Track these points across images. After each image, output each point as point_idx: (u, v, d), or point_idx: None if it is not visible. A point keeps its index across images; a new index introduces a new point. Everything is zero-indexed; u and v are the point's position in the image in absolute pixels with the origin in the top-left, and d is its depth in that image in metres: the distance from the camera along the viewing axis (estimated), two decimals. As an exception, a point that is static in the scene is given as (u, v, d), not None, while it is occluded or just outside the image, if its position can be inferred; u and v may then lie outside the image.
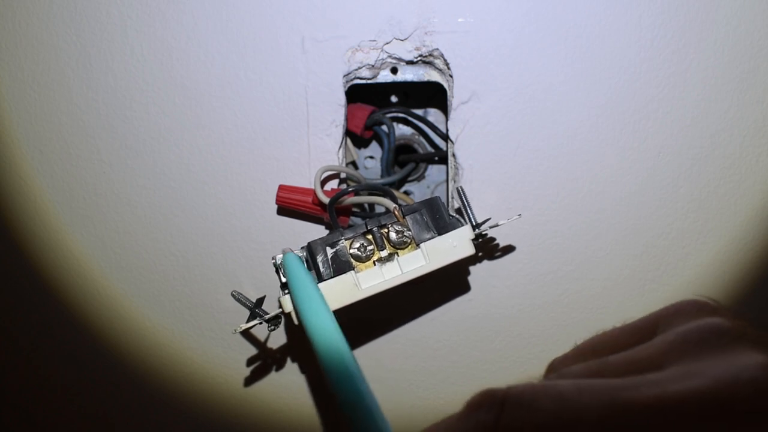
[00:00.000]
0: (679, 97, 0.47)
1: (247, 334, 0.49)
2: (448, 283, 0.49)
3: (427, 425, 0.24)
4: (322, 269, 0.40)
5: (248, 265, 0.49)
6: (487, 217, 0.44)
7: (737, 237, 0.48)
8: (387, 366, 0.50)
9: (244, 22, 0.47)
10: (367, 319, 0.49)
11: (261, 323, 0.40)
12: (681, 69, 0.46)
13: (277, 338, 0.50)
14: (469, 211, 0.43)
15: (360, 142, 0.55)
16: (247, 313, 0.40)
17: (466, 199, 0.43)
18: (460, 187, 0.44)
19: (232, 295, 0.41)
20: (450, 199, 0.49)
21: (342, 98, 0.48)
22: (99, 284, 0.50)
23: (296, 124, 0.48)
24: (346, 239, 0.40)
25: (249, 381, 0.51)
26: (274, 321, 0.40)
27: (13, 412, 0.53)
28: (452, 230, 0.41)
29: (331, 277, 0.39)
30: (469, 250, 0.41)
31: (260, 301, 0.41)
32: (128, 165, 0.49)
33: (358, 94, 0.52)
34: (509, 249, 0.48)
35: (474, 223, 0.43)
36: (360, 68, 0.48)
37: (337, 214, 0.44)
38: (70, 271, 0.50)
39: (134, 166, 0.49)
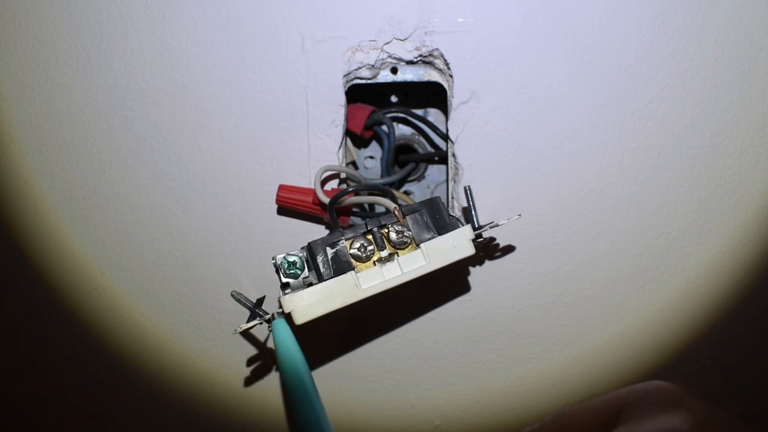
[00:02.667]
0: (679, 97, 0.47)
1: (247, 334, 0.49)
2: (448, 283, 0.49)
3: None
4: (322, 269, 0.40)
5: (248, 265, 0.49)
6: (490, 221, 0.43)
7: (737, 237, 0.48)
8: (387, 366, 0.50)
9: (244, 22, 0.47)
10: (367, 319, 0.49)
11: (261, 323, 0.40)
12: (681, 69, 0.46)
13: (277, 338, 0.50)
14: (474, 211, 0.43)
15: (360, 142, 0.55)
16: (247, 313, 0.40)
17: (472, 198, 0.43)
18: (468, 186, 0.43)
19: (232, 295, 0.41)
20: (450, 199, 0.49)
21: (342, 98, 0.48)
22: (99, 284, 0.50)
23: (296, 124, 0.48)
24: (346, 239, 0.40)
25: (249, 381, 0.51)
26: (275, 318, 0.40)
27: (13, 412, 0.53)
28: (452, 230, 0.41)
29: (332, 277, 0.39)
30: (470, 250, 0.41)
31: (260, 301, 0.41)
32: (128, 165, 0.49)
33: (358, 94, 0.52)
34: (509, 249, 0.48)
35: (478, 224, 0.43)
36: (360, 68, 0.48)
37: (337, 214, 0.44)
38: (70, 271, 0.50)
39: (134, 166, 0.49)
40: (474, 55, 0.47)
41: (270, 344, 0.50)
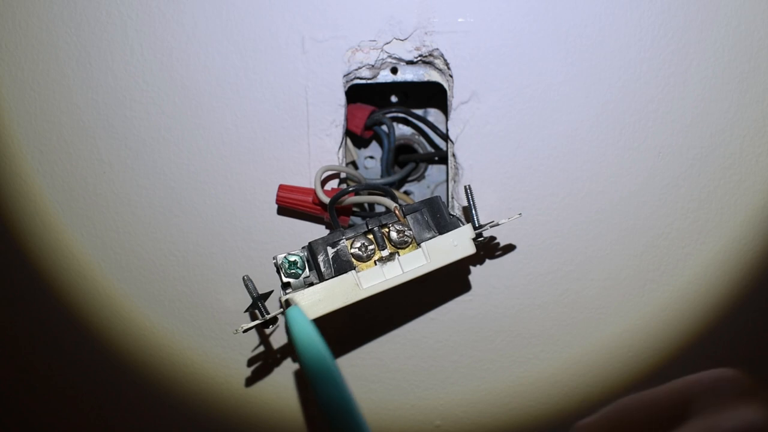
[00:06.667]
0: (679, 97, 0.47)
1: (247, 333, 0.49)
2: (448, 283, 0.49)
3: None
4: (323, 269, 0.40)
5: (248, 265, 0.49)
6: (490, 220, 0.43)
7: (737, 237, 0.48)
8: (387, 366, 0.50)
9: (244, 22, 0.47)
10: (367, 319, 0.49)
11: (261, 322, 0.40)
12: (681, 69, 0.47)
13: (277, 338, 0.50)
14: (475, 210, 0.43)
15: (360, 142, 0.55)
16: (251, 316, 0.40)
17: (472, 198, 0.43)
18: (468, 185, 0.43)
19: (243, 278, 0.40)
20: (450, 199, 0.49)
21: (342, 98, 0.48)
22: (99, 284, 0.50)
23: (296, 124, 0.48)
24: (347, 239, 0.40)
25: (249, 381, 0.51)
26: (273, 321, 0.40)
27: (13, 412, 0.53)
28: (453, 229, 0.41)
29: (332, 277, 0.39)
30: (470, 249, 0.41)
31: (266, 295, 0.41)
32: (128, 165, 0.49)
33: (358, 94, 0.52)
34: (509, 249, 0.48)
35: (478, 223, 0.43)
36: (360, 68, 0.48)
37: (337, 214, 0.44)
38: (70, 271, 0.50)
39: (134, 166, 0.49)
40: (474, 55, 0.47)
41: (270, 344, 0.50)
